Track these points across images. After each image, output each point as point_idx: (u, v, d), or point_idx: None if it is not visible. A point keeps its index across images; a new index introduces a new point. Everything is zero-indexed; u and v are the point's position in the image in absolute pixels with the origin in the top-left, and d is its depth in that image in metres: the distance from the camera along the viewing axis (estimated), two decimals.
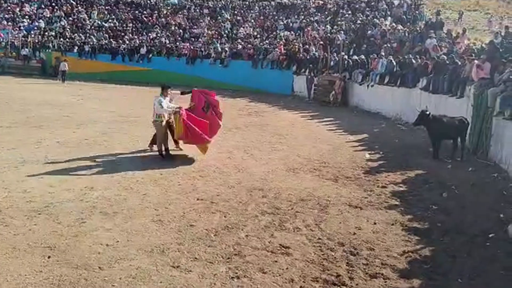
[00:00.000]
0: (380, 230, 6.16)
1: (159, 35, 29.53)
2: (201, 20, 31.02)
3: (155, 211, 6.54)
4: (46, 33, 30.50)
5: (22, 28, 30.83)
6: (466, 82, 11.88)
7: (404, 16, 23.43)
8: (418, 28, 19.98)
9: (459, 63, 12.98)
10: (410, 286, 4.76)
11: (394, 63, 16.49)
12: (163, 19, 31.53)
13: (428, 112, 10.02)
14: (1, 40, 29.76)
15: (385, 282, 4.81)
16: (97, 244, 5.38)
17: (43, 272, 4.69)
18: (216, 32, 28.78)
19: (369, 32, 22.13)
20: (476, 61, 11.87)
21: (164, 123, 9.32)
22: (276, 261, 5.15)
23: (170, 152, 9.55)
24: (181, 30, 29.91)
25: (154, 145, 9.77)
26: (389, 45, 19.07)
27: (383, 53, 17.72)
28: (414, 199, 7.45)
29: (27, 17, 32.00)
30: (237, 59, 25.29)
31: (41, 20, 31.78)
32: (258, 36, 27.16)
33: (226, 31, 28.80)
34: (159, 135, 9.44)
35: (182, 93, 10.13)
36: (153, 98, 9.57)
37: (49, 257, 5.03)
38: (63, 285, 4.48)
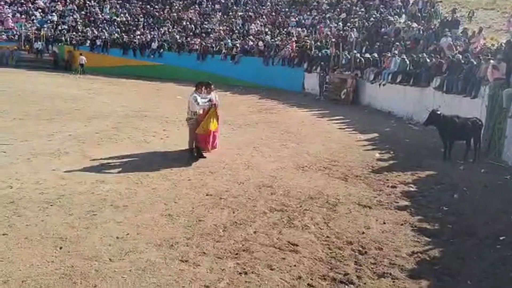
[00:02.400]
0: (389, 230, 6.13)
1: (170, 30, 29.60)
2: (213, 16, 31.03)
3: (165, 205, 6.59)
4: (59, 27, 30.73)
5: (35, 21, 31.09)
6: (481, 82, 11.75)
7: (419, 14, 23.18)
8: (433, 26, 19.77)
9: (475, 62, 12.84)
10: (419, 286, 4.73)
11: (408, 62, 16.35)
12: (174, 14, 31.59)
13: (439, 112, 9.92)
14: (15, 33, 30.04)
15: (393, 282, 4.79)
16: (107, 236, 5.44)
17: (54, 263, 4.76)
18: (228, 28, 28.76)
19: (382, 29, 21.96)
20: (492, 61, 11.74)
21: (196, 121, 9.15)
22: (284, 258, 5.16)
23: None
24: (192, 26, 29.94)
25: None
26: (402, 43, 18.91)
27: (396, 51, 17.57)
28: (425, 200, 7.40)
29: (40, 10, 32.26)
30: (248, 55, 25.27)
31: (53, 14, 32.03)
32: (269, 32, 27.09)
33: (238, 27, 28.77)
34: (191, 133, 9.28)
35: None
36: (187, 96, 9.40)
37: (60, 248, 5.09)
38: (74, 275, 4.53)
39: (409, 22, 21.54)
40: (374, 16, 24.61)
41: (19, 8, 32.10)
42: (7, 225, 5.60)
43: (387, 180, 8.40)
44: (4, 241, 5.17)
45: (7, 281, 4.37)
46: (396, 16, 23.58)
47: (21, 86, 19.33)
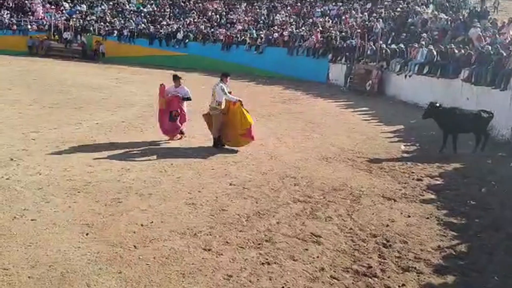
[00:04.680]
0: (414, 224, 6.04)
1: (195, 20, 29.67)
2: (238, 6, 30.93)
3: (188, 194, 6.65)
4: (87, 17, 31.20)
5: (64, 11, 31.64)
6: (511, 74, 11.40)
7: (447, 4, 22.58)
8: (461, 17, 19.23)
9: (504, 54, 12.46)
10: (444, 282, 4.66)
11: (435, 53, 15.97)
12: (200, 4, 31.63)
13: (438, 105, 9.70)
14: (45, 23, 30.66)
15: (418, 276, 4.72)
16: (132, 224, 5.53)
17: (81, 248, 4.87)
18: (253, 19, 28.64)
19: (409, 20, 21.49)
20: None
21: (222, 111, 9.11)
22: (306, 249, 5.15)
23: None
24: (217, 16, 29.94)
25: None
26: (429, 33, 18.46)
27: (423, 42, 17.17)
28: (451, 194, 7.25)
29: (69, 1, 32.80)
30: (273, 45, 25.12)
31: (82, 4, 32.53)
32: (294, 23, 26.85)
33: (263, 18, 28.62)
34: (216, 123, 9.22)
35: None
36: (213, 86, 9.32)
37: (87, 234, 5.21)
38: (100, 261, 4.63)
39: (436, 13, 20.99)
40: (401, 6, 24.10)
41: None
42: (36, 210, 5.76)
43: (413, 172, 8.27)
44: (33, 226, 5.32)
45: (35, 266, 4.50)
46: (424, 6, 23.00)
47: (51, 75, 19.77)
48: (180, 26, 28.74)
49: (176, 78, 9.85)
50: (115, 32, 29.40)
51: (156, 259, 4.75)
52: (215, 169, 7.93)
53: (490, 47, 13.51)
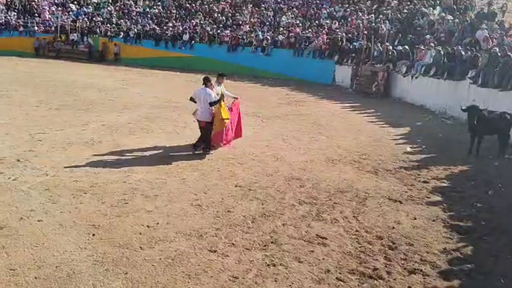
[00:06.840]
0: (420, 226, 6.02)
1: (201, 22, 29.74)
2: (244, 8, 30.97)
3: (194, 195, 6.67)
4: (94, 19, 31.36)
5: (71, 13, 31.83)
6: None
7: (454, 6, 22.49)
8: (468, 19, 19.14)
9: None
10: (450, 284, 4.65)
11: (442, 54, 15.91)
12: (206, 6, 31.70)
13: (481, 107, 9.66)
14: (51, 24, 30.84)
15: (424, 278, 4.71)
16: (138, 225, 5.56)
17: (87, 249, 4.90)
18: (259, 20, 28.66)
19: (416, 21, 21.42)
20: None
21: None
22: (312, 251, 5.15)
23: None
24: (223, 17, 29.99)
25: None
26: (436, 35, 18.39)
27: (432, 44, 17.12)
28: (458, 196, 7.23)
29: (75, 2, 32.99)
30: (279, 47, 25.14)
31: (89, 6, 32.72)
32: (301, 24, 26.85)
33: (269, 19, 28.63)
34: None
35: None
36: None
37: (93, 235, 5.24)
38: (106, 262, 4.65)
39: (443, 14, 20.93)
40: (407, 7, 24.04)
41: (56, 0, 32.91)
42: (43, 211, 5.80)
43: (419, 175, 8.24)
44: (40, 227, 5.36)
45: (41, 266, 4.53)
46: (431, 8, 22.93)
47: (57, 76, 19.87)
48: (186, 28, 28.81)
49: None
50: (121, 33, 29.53)
51: (162, 260, 4.77)
52: (221, 170, 7.94)
53: (497, 49, 13.46)
